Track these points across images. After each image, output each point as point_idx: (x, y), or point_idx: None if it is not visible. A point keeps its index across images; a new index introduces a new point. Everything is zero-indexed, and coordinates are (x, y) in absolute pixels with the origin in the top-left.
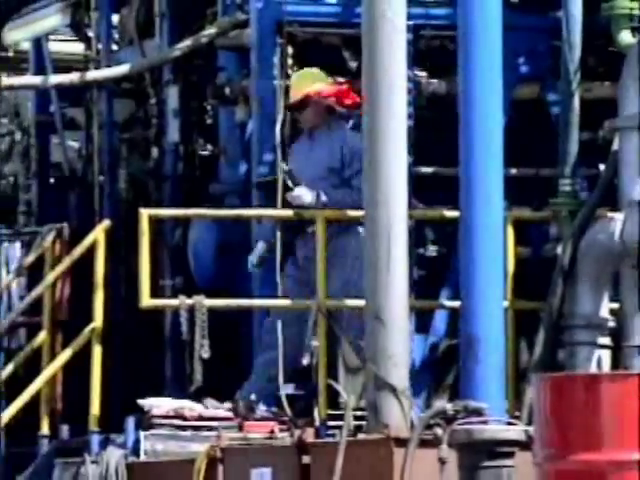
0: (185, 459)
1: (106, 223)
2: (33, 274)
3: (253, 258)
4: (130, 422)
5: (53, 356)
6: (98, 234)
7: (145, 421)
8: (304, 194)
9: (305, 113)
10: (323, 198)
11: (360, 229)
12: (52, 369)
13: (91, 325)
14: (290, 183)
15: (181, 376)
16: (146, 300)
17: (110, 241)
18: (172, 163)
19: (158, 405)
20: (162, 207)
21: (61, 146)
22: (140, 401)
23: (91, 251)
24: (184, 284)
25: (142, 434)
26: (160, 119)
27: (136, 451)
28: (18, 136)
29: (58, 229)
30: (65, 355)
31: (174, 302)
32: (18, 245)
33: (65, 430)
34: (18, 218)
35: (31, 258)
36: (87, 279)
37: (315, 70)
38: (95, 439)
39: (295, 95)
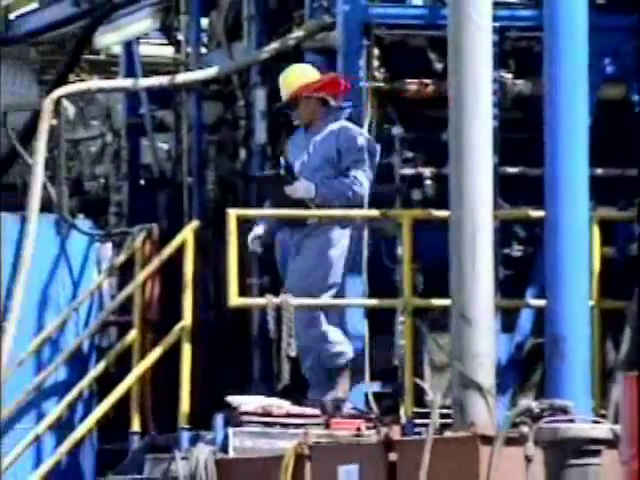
0: (273, 456)
1: (195, 223)
2: (124, 274)
3: (250, 239)
4: (219, 419)
5: (143, 354)
6: (187, 234)
7: (234, 418)
8: (303, 187)
9: (298, 110)
10: (320, 188)
11: (335, 231)
12: (142, 367)
13: (180, 324)
14: (289, 177)
15: (268, 374)
16: (234, 299)
17: (199, 241)
18: (259, 164)
19: (246, 402)
20: (249, 207)
21: (151, 148)
22: (229, 398)
23: (180, 251)
24: (271, 283)
25: (231, 431)
26: (248, 121)
27: (225, 448)
28: (109, 138)
29: (148, 229)
30: (155, 353)
31: (261, 301)
32: (109, 245)
33: (155, 427)
34: (109, 219)
35: (122, 258)
36: (176, 279)
37: (301, 65)
38: (185, 436)
39: (284, 94)
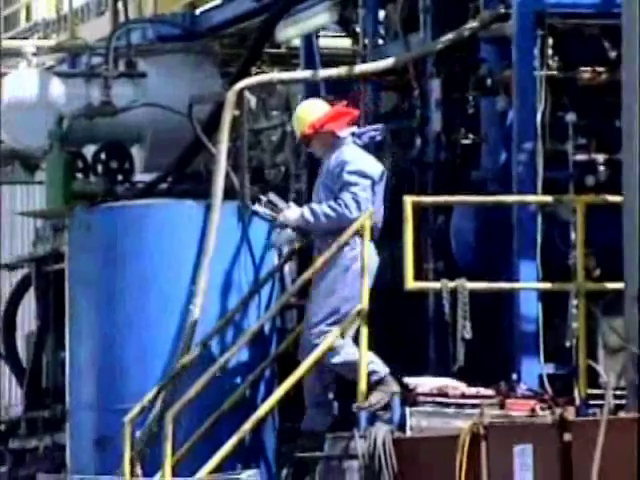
0: (449, 435)
1: (371, 210)
2: (303, 258)
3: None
4: (396, 399)
5: None
6: (364, 220)
7: (410, 398)
8: (289, 214)
9: (312, 146)
10: (306, 213)
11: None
12: (321, 348)
13: (358, 307)
14: (272, 213)
15: (444, 356)
16: (410, 283)
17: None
18: (435, 152)
19: (423, 383)
20: (425, 194)
21: None
22: (406, 380)
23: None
24: (446, 268)
25: (408, 411)
26: (423, 110)
27: (402, 427)
28: (289, 128)
29: None
30: (334, 335)
31: (437, 285)
32: (289, 230)
33: (335, 406)
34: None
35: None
36: None
37: (310, 103)
38: (363, 415)
39: (297, 133)
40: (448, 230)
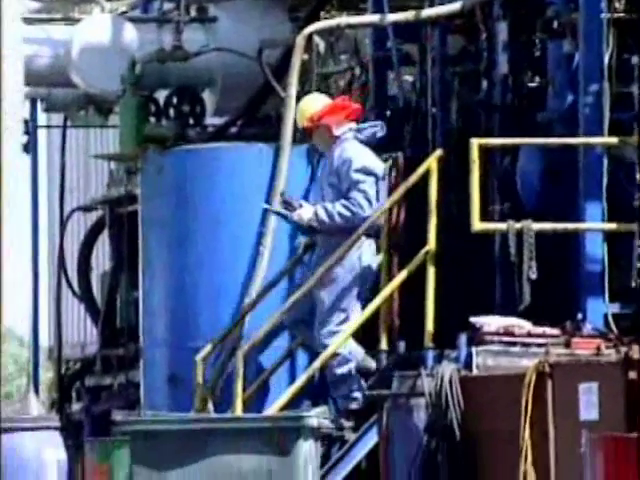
0: (515, 374)
1: (439, 152)
2: None
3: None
4: (462, 338)
5: (390, 276)
6: (431, 163)
7: (477, 338)
8: (303, 213)
9: (314, 139)
10: (320, 213)
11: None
12: (389, 288)
13: (425, 248)
14: (287, 211)
15: (510, 296)
16: (477, 224)
17: (442, 169)
18: (501, 94)
19: (489, 323)
20: (491, 136)
21: (397, 80)
22: (472, 319)
23: (425, 178)
24: (512, 209)
25: (474, 350)
26: (490, 53)
27: (468, 365)
28: (357, 71)
29: (394, 158)
30: (401, 276)
31: (503, 226)
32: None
33: (402, 346)
34: None
35: None
36: (421, 205)
37: (312, 96)
38: (430, 354)
39: (299, 126)
40: (514, 172)
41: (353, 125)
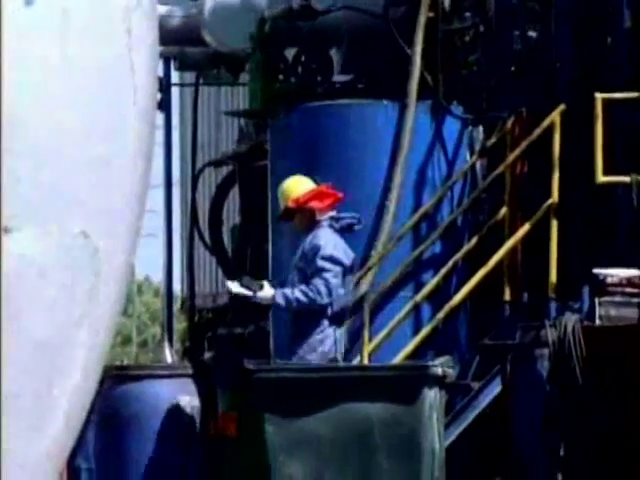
0: (637, 324)
1: (562, 106)
2: (494, 154)
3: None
4: (585, 290)
5: (513, 229)
6: (555, 117)
7: (600, 289)
8: (263, 295)
9: (294, 221)
10: (277, 297)
11: None
12: (513, 241)
13: (548, 201)
14: (247, 293)
15: (634, 247)
16: (600, 177)
17: (566, 123)
18: (625, 50)
19: (612, 274)
20: (615, 91)
21: (521, 36)
22: (595, 270)
23: (548, 132)
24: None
25: (597, 301)
26: (613, 5)
27: (591, 316)
28: (482, 28)
29: (518, 113)
30: (524, 228)
31: (626, 179)
32: (481, 129)
33: (525, 297)
34: (482, 103)
35: (493, 140)
36: (544, 159)
37: (296, 178)
38: (553, 305)
39: (281, 206)
40: (638, 125)
41: (333, 213)
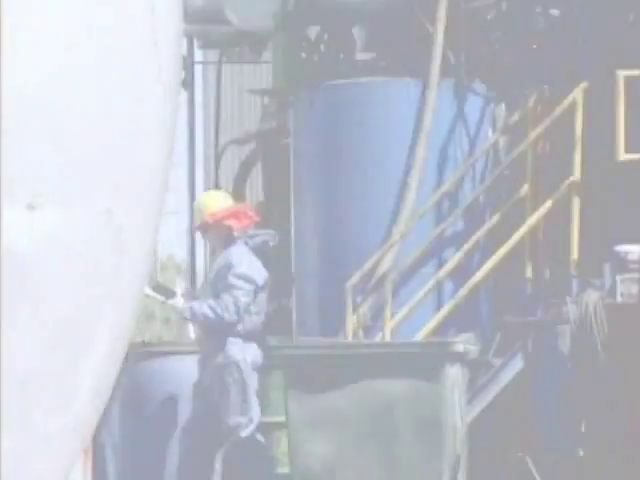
0: None
1: (584, 84)
2: (516, 132)
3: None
4: (607, 267)
5: (535, 206)
6: (577, 95)
7: (621, 266)
8: (174, 303)
9: (209, 235)
10: (185, 314)
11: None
12: (535, 218)
13: (570, 179)
14: (160, 297)
15: None
16: (622, 155)
17: (588, 101)
18: None
19: (633, 251)
20: (637, 68)
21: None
22: (617, 248)
23: (570, 110)
24: None
25: (618, 278)
26: None
27: (612, 293)
28: (504, 7)
29: (540, 90)
30: (547, 205)
31: None
32: (503, 106)
33: (547, 273)
34: (504, 81)
35: (515, 117)
36: (566, 136)
37: (214, 193)
38: (574, 282)
39: (197, 220)
40: None
41: (249, 231)
